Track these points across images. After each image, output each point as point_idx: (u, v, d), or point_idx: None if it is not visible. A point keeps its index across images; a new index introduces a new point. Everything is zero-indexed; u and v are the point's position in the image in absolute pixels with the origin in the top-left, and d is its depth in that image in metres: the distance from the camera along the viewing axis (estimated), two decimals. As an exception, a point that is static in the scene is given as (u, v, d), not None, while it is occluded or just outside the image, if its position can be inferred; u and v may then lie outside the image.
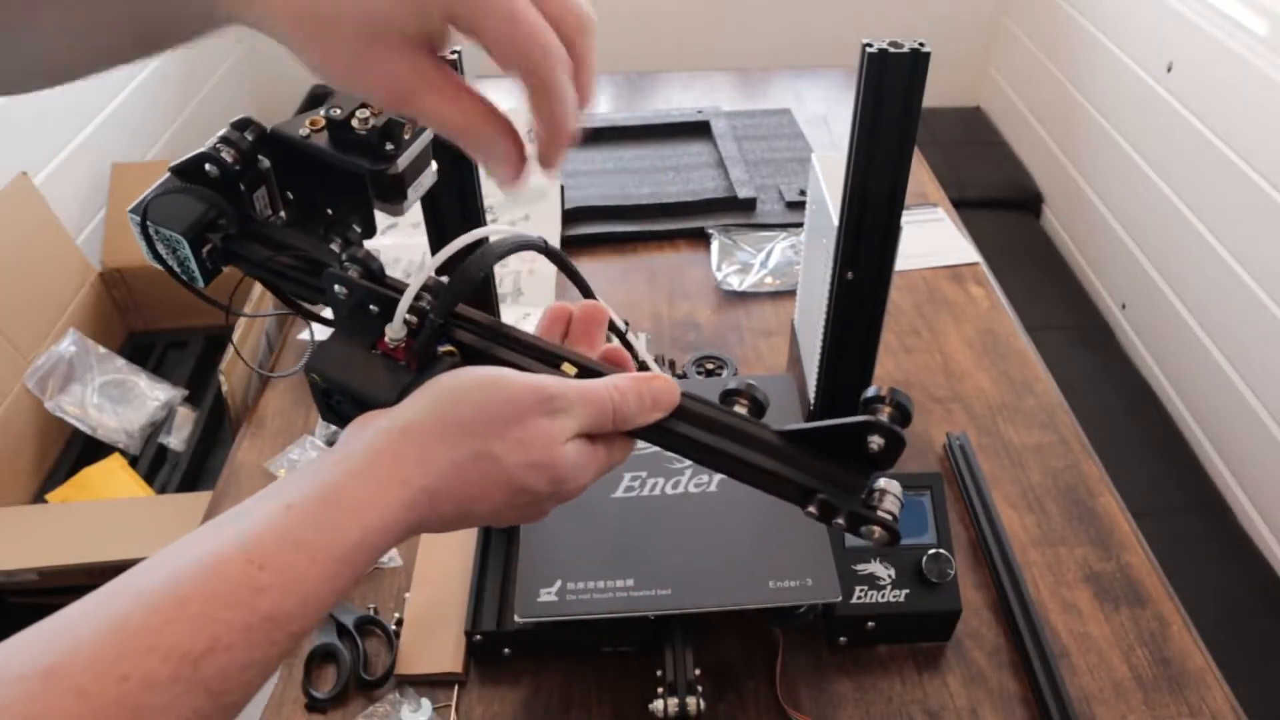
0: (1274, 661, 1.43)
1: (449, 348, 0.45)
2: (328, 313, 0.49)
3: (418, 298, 0.43)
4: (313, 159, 0.48)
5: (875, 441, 0.43)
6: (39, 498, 1.41)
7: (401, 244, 1.11)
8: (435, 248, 0.73)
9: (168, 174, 0.47)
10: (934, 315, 1.02)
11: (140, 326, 1.78)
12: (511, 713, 0.66)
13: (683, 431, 0.45)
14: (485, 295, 0.74)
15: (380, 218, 0.52)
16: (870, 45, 0.58)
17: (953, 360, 0.95)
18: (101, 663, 0.29)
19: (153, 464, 1.48)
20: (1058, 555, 0.76)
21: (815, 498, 0.44)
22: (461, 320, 0.46)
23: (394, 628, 0.70)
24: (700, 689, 0.62)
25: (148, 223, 0.46)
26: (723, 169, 1.24)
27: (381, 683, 0.67)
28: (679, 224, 1.15)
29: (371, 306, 0.45)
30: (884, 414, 0.43)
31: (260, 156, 0.48)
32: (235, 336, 1.10)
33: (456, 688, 0.67)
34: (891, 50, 0.57)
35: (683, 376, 0.89)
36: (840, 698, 0.66)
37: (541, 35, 0.37)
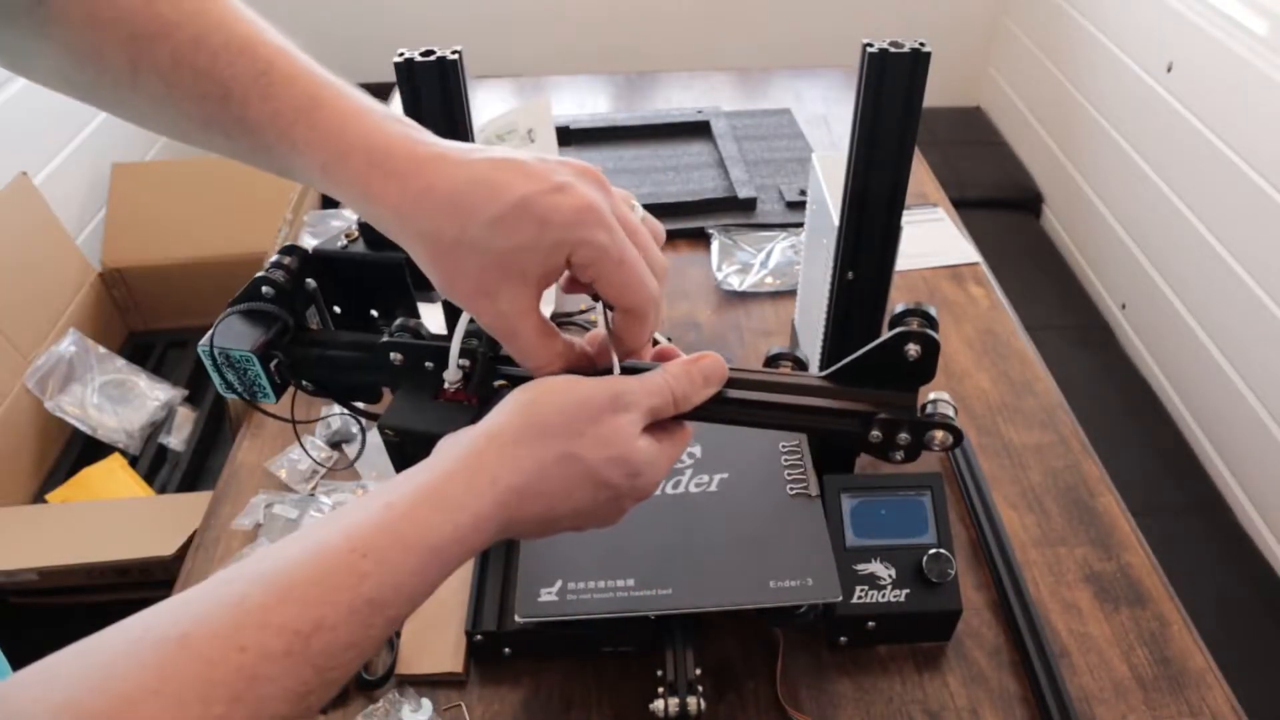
0: (1274, 661, 1.43)
1: (501, 381, 0.49)
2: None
3: (465, 341, 0.48)
4: (354, 264, 0.53)
5: (913, 349, 0.46)
6: (39, 498, 1.42)
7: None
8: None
9: (227, 310, 0.52)
10: (934, 315, 1.02)
11: (140, 326, 1.78)
12: (511, 713, 0.66)
13: (738, 397, 0.48)
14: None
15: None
16: (870, 45, 0.58)
17: (953, 360, 0.95)
18: (224, 634, 0.32)
19: (153, 464, 1.48)
20: (1058, 555, 0.76)
21: (876, 420, 0.47)
22: (507, 358, 0.49)
23: (394, 628, 0.70)
24: (700, 689, 0.62)
25: (215, 349, 0.50)
26: (723, 169, 1.24)
27: (381, 683, 0.67)
28: (679, 224, 1.15)
29: (426, 364, 0.49)
30: (914, 324, 0.46)
31: (307, 279, 0.53)
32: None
33: (465, 690, 0.67)
34: (891, 50, 0.57)
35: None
36: (840, 698, 0.66)
37: (645, 281, 0.43)
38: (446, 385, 0.48)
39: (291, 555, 0.36)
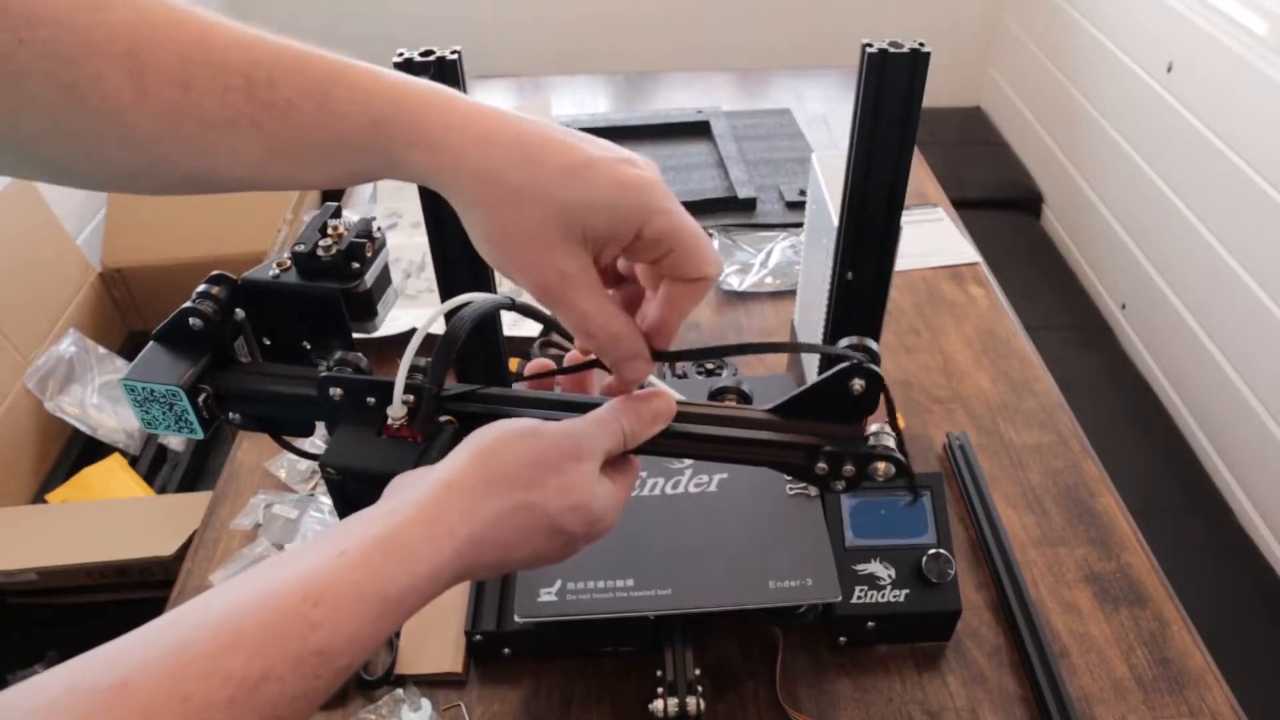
0: (1274, 661, 1.43)
1: (448, 418, 0.47)
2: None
3: (410, 376, 0.46)
4: (286, 296, 0.51)
5: (857, 384, 0.46)
6: (39, 498, 1.42)
7: (402, 244, 1.11)
8: (437, 254, 0.73)
9: (151, 342, 0.50)
10: (934, 315, 1.02)
11: (140, 326, 1.78)
12: (511, 713, 0.66)
13: (686, 431, 0.48)
14: (492, 326, 0.76)
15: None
16: (870, 45, 0.58)
17: (953, 360, 0.95)
18: (165, 682, 0.31)
19: (153, 464, 1.48)
20: (1058, 555, 0.76)
21: (820, 453, 0.47)
22: (452, 394, 0.48)
23: (394, 628, 0.70)
24: (700, 689, 0.61)
25: (140, 384, 0.48)
26: (723, 169, 1.24)
27: (381, 683, 0.67)
28: (679, 224, 1.15)
29: (368, 400, 0.47)
30: (857, 360, 0.46)
31: (235, 309, 0.51)
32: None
33: (464, 690, 0.67)
34: (891, 50, 0.57)
35: (683, 377, 0.89)
36: (840, 698, 0.66)
37: (712, 248, 0.43)
38: (390, 421, 0.46)
39: (240, 600, 0.34)
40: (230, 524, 0.80)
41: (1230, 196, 1.66)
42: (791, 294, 1.03)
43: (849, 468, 0.47)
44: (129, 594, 1.24)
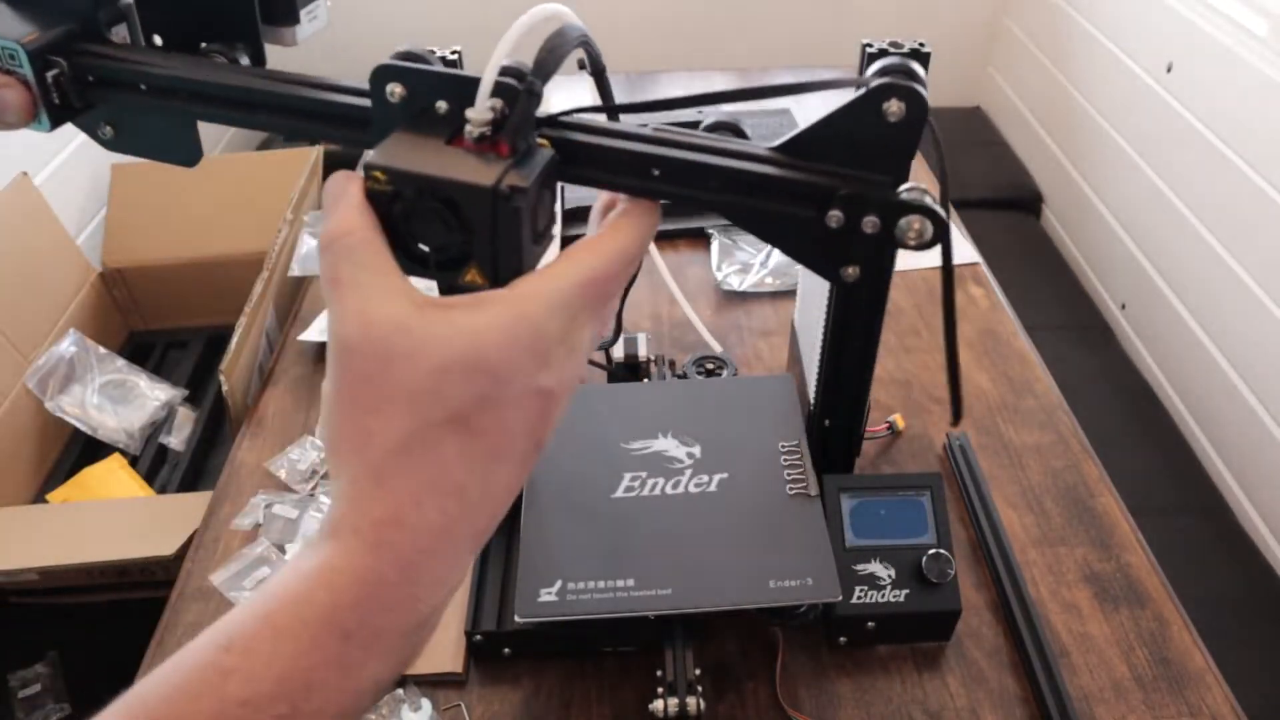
0: (1274, 661, 1.43)
1: (543, 140, 0.37)
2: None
3: (502, 76, 0.35)
4: None
5: (895, 106, 0.35)
6: (39, 498, 1.42)
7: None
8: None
9: None
10: (934, 315, 1.02)
11: (140, 326, 1.78)
12: (512, 713, 0.66)
13: (661, 154, 0.36)
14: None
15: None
16: (870, 45, 0.58)
17: (953, 360, 0.95)
18: None
19: (153, 464, 1.48)
20: (1058, 555, 0.76)
21: (838, 197, 0.35)
22: (552, 116, 0.38)
23: (394, 628, 0.70)
24: (700, 689, 0.62)
25: None
26: (723, 169, 1.24)
27: (381, 683, 0.67)
28: (679, 224, 1.15)
29: (438, 104, 0.36)
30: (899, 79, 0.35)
31: None
32: (235, 336, 1.10)
33: (465, 690, 0.67)
34: (891, 50, 0.57)
35: (683, 376, 0.89)
36: (840, 698, 0.66)
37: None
38: (468, 129, 0.35)
39: (161, 668, 0.30)
40: (230, 524, 0.80)
41: (1230, 196, 1.66)
42: (791, 294, 1.03)
43: (872, 218, 0.35)
44: (129, 594, 1.24)
